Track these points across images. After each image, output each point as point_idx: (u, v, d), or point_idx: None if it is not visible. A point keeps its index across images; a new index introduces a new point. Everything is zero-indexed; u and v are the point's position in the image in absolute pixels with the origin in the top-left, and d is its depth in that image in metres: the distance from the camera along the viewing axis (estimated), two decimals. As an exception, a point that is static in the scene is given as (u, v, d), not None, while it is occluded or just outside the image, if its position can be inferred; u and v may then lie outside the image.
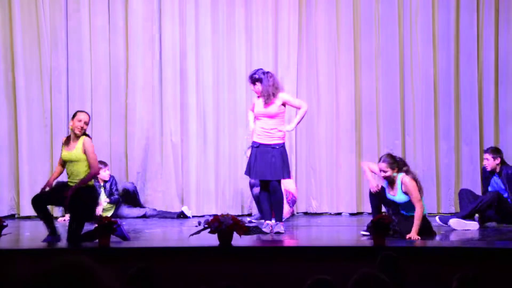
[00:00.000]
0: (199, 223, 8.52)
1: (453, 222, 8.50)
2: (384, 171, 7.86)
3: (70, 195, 7.18)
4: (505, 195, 8.75)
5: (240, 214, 9.81)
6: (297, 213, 10.29)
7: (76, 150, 7.36)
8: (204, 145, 10.20)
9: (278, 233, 8.10)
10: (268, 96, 8.16)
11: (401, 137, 10.25)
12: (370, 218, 7.58)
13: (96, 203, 7.74)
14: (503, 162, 8.87)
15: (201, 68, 10.25)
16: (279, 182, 8.23)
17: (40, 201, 7.35)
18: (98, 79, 10.20)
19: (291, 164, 9.90)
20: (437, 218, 8.85)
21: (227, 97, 10.15)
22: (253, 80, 8.23)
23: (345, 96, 10.29)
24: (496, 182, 8.88)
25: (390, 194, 7.98)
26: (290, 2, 10.31)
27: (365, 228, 8.01)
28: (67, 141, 7.47)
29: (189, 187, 10.18)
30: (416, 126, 10.30)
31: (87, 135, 7.45)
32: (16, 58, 10.09)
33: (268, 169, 8.13)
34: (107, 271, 2.22)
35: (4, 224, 7.15)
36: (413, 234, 7.57)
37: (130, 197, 9.94)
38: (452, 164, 10.34)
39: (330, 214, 10.29)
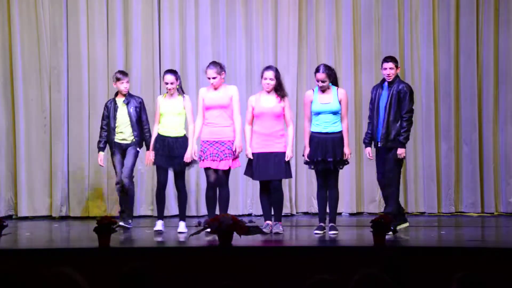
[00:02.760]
0: (199, 223, 8.55)
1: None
2: (323, 81, 8.20)
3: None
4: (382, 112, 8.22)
5: (240, 214, 9.81)
6: (297, 213, 10.31)
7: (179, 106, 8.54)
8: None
9: (277, 233, 8.12)
10: (284, 94, 8.27)
11: (401, 137, 10.26)
12: (370, 218, 7.56)
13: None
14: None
15: (201, 68, 10.25)
16: (280, 181, 8.26)
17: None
18: (97, 78, 10.22)
19: (292, 164, 9.90)
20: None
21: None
22: (276, 75, 8.29)
23: (345, 96, 10.29)
24: (383, 96, 8.31)
25: (319, 103, 8.20)
26: (290, 2, 10.33)
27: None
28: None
29: (189, 187, 10.20)
30: (417, 126, 10.31)
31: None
32: (14, 57, 10.12)
33: (272, 168, 8.18)
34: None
35: (4, 224, 7.16)
36: (346, 149, 8.18)
37: None
38: (452, 164, 10.36)
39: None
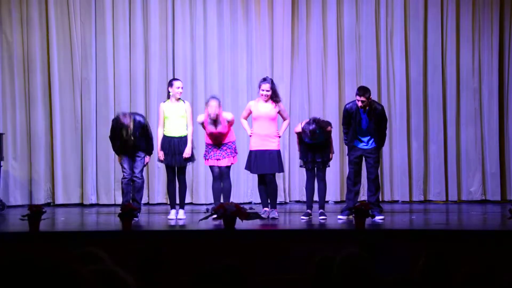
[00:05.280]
0: (207, 210, 8.54)
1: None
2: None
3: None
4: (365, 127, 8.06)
5: (241, 202, 9.80)
6: (290, 201, 10.31)
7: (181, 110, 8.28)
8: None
9: (273, 218, 8.12)
10: (279, 100, 8.27)
11: (378, 138, 10.24)
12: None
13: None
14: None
15: (209, 78, 10.27)
16: (274, 175, 8.27)
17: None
18: (121, 87, 10.22)
19: (286, 159, 9.90)
20: None
21: (231, 102, 10.17)
22: (272, 86, 8.27)
23: (331, 103, 10.32)
24: (366, 120, 8.14)
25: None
26: (284, 21, 10.32)
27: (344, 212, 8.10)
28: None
29: (198, 179, 10.21)
30: (392, 128, 10.30)
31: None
32: (52, 70, 10.12)
33: (268, 164, 8.18)
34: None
35: (44, 210, 7.16)
36: (330, 153, 8.25)
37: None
38: (421, 160, 10.36)
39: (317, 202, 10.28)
